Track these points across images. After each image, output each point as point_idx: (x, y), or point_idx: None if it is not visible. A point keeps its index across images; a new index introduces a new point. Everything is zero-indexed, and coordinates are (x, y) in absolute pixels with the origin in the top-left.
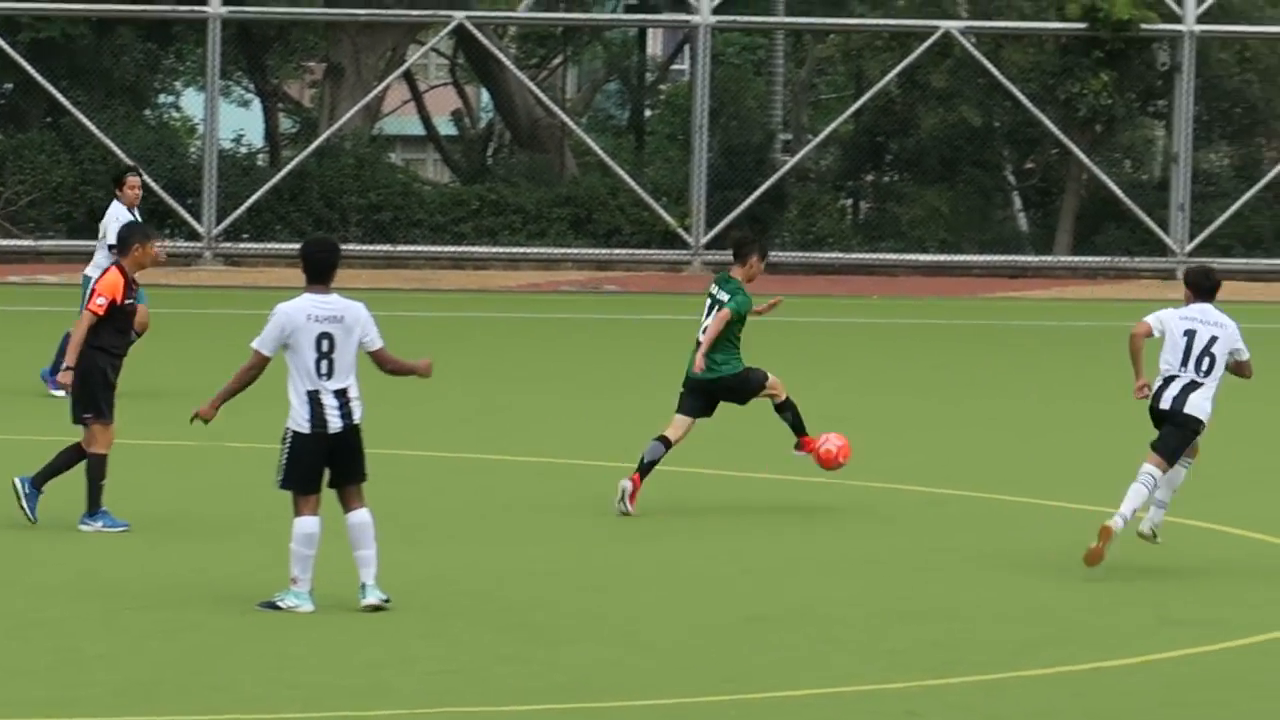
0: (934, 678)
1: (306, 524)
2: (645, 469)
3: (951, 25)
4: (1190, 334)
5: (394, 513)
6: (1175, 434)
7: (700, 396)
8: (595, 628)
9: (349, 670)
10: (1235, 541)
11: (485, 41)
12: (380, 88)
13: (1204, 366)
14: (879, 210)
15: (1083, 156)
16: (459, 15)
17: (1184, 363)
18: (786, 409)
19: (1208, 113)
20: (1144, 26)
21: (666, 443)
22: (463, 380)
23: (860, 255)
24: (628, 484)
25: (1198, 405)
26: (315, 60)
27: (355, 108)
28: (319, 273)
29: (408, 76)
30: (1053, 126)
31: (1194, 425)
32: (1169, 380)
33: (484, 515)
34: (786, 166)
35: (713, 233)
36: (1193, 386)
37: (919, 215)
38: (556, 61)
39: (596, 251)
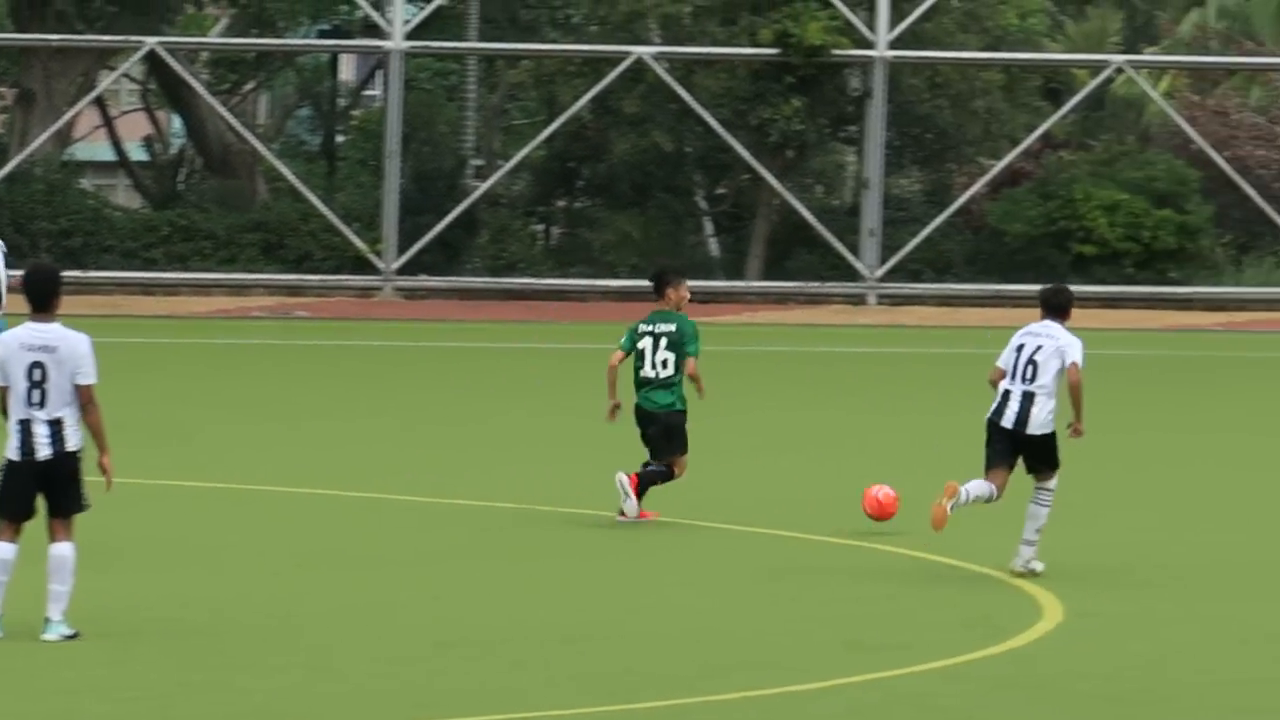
0: (621, 702)
1: (1, 550)
2: (649, 479)
3: (644, 51)
4: (1020, 347)
5: (84, 539)
6: (1040, 454)
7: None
8: (284, 654)
9: (38, 696)
10: (921, 565)
11: (177, 67)
12: (71, 113)
13: (1028, 375)
14: (570, 236)
15: (774, 182)
16: (151, 41)
17: (1013, 375)
18: (663, 477)
19: (899, 138)
20: (836, 52)
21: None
22: (153, 406)
23: (551, 281)
24: (624, 478)
25: (1040, 422)
26: (6, 85)
27: (46, 133)
28: (37, 300)
29: (99, 102)
30: (744, 152)
31: (1046, 442)
32: (1006, 395)
33: (173, 542)
34: (478, 192)
35: (404, 258)
36: (1028, 399)
37: (610, 240)
38: (249, 87)
39: (287, 277)
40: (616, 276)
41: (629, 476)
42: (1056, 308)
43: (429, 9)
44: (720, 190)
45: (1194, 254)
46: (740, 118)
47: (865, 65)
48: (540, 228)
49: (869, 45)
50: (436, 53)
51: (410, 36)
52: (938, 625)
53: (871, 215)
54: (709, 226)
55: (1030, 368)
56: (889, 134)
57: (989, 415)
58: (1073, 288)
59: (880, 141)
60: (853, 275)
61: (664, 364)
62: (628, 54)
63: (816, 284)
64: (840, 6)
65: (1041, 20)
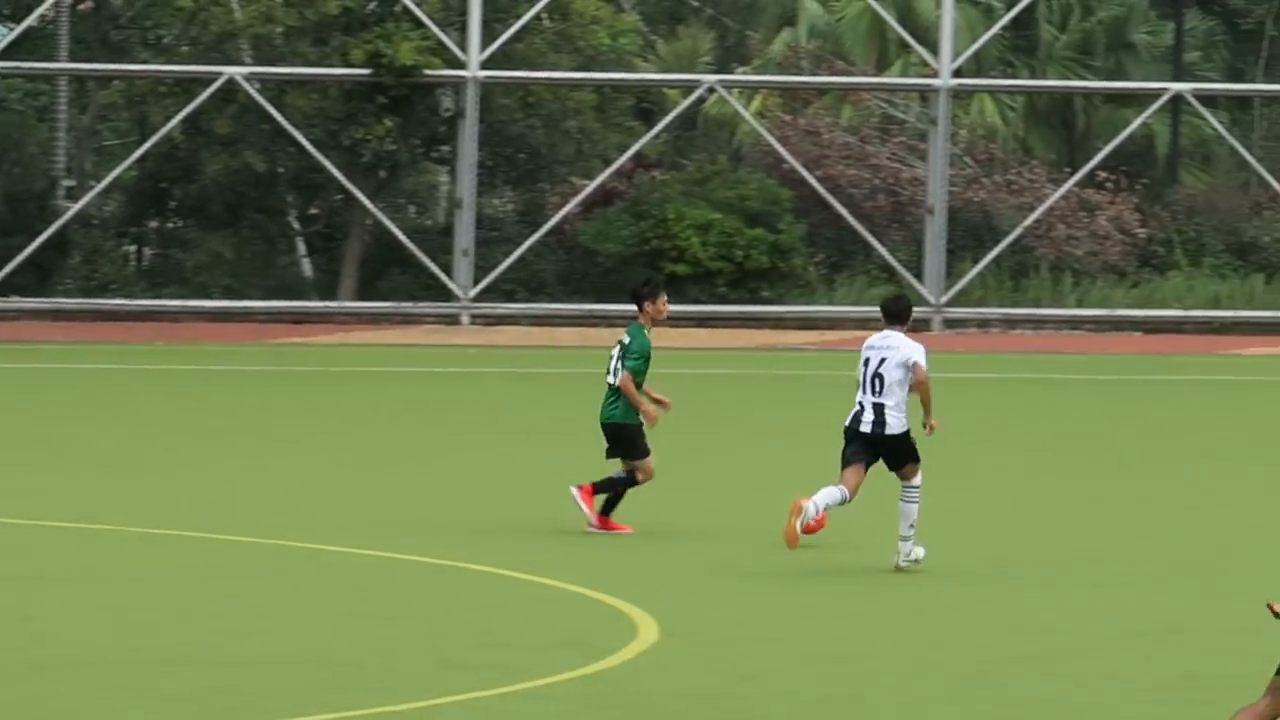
0: None
1: None
2: (604, 486)
3: (235, 71)
4: (866, 361)
5: None
6: (896, 454)
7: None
8: None
9: None
10: (518, 585)
11: None
12: None
13: (876, 387)
14: (163, 256)
15: (367, 202)
16: None
17: (863, 389)
18: (624, 485)
19: (492, 158)
20: (428, 72)
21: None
22: None
23: (144, 302)
24: (575, 490)
25: (894, 424)
26: None
27: None
28: None
29: None
30: (337, 172)
31: (902, 440)
32: (862, 405)
33: None
34: (70, 213)
35: None
36: (880, 409)
37: (203, 261)
38: None
39: None
40: (209, 297)
41: (580, 489)
42: (896, 315)
43: (18, 29)
44: (313, 210)
45: (786, 273)
46: (333, 138)
47: (457, 85)
48: (133, 248)
49: (461, 65)
50: (27, 73)
51: None
52: (534, 645)
53: (464, 235)
54: (302, 247)
55: (877, 381)
56: (482, 154)
57: (846, 423)
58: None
59: (473, 161)
60: (446, 295)
61: (615, 373)
62: (219, 74)
63: (410, 304)
64: (432, 27)
65: (633, 40)
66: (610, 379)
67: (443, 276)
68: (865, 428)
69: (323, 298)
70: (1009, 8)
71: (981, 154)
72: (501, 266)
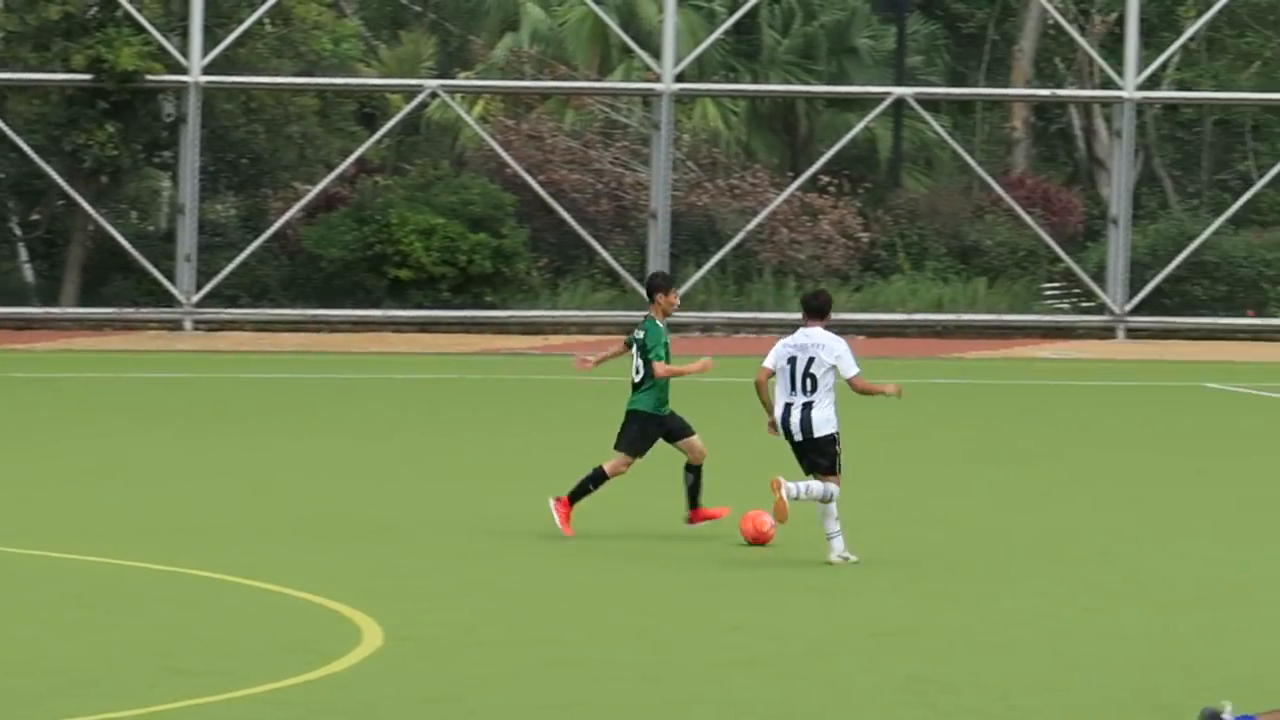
0: None
1: None
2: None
3: None
4: (792, 360)
5: None
6: (821, 456)
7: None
8: None
9: None
10: (241, 590)
11: None
12: None
13: (808, 387)
14: None
15: (89, 208)
16: None
17: (792, 388)
18: (690, 471)
19: (215, 163)
20: (149, 78)
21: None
22: None
23: None
24: (552, 501)
25: (822, 423)
26: None
27: None
28: None
29: None
30: (58, 178)
31: (828, 441)
32: (788, 406)
33: None
34: None
35: None
36: (809, 407)
37: None
38: None
39: None
40: None
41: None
42: (816, 310)
43: None
44: (35, 216)
45: (510, 278)
46: (54, 143)
47: (179, 90)
48: None
49: (183, 70)
50: None
51: None
52: (258, 651)
53: (187, 241)
54: (24, 252)
55: (809, 381)
56: (204, 159)
57: (783, 428)
58: (388, 312)
59: (195, 167)
60: (169, 301)
61: (636, 370)
62: None
63: (133, 310)
64: (153, 32)
65: (355, 45)
66: (632, 375)
67: (165, 282)
68: (796, 435)
69: (45, 304)
70: (731, 12)
71: (704, 158)
72: (224, 272)
